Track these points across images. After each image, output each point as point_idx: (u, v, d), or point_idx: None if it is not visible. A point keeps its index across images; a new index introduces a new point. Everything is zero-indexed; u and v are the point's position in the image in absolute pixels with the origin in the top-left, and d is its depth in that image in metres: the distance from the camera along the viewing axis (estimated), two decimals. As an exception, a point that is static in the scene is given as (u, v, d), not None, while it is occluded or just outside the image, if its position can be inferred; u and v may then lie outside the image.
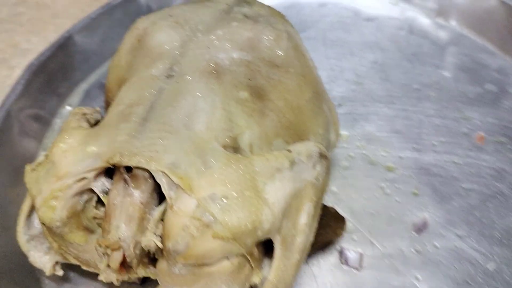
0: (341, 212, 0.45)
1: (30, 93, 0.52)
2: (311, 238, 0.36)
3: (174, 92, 0.35)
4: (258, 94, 0.37)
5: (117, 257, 0.31)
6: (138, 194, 0.32)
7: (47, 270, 0.39)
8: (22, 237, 0.39)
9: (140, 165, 0.31)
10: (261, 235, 0.31)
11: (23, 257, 0.39)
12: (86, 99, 0.56)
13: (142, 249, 0.33)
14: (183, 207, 0.30)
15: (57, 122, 0.54)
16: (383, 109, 0.54)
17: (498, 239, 0.44)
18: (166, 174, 0.31)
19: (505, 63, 0.58)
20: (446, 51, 0.60)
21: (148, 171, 0.32)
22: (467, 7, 0.61)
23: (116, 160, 0.32)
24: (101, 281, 0.40)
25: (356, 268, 0.43)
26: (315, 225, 0.37)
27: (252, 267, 0.33)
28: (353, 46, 0.60)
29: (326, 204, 0.45)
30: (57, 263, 0.39)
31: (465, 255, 0.43)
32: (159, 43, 0.38)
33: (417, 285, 0.42)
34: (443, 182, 0.48)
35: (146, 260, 0.35)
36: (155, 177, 0.31)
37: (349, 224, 0.45)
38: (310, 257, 0.43)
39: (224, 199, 0.30)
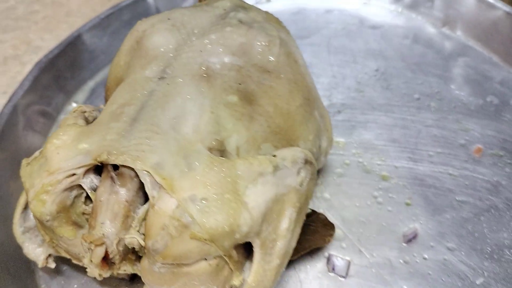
0: (331, 219, 0.45)
1: (38, 89, 0.54)
2: (293, 243, 0.37)
3: (165, 94, 0.36)
4: (248, 98, 0.38)
5: (99, 253, 0.32)
6: (124, 192, 0.33)
7: (40, 262, 0.40)
8: (17, 229, 0.40)
9: (126, 163, 0.32)
10: (239, 238, 0.32)
11: (19, 248, 0.41)
12: (92, 96, 0.58)
13: (126, 246, 0.34)
14: (163, 207, 0.31)
15: (63, 118, 0.56)
16: (381, 117, 0.54)
17: (489, 254, 0.44)
18: (150, 173, 0.32)
19: (509, 75, 0.58)
20: (450, 62, 0.59)
21: (134, 170, 0.33)
22: (473, 18, 0.61)
23: (103, 158, 0.33)
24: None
25: (343, 276, 0.43)
26: (298, 230, 0.37)
27: (231, 269, 0.33)
28: (357, 53, 0.60)
29: (317, 210, 0.46)
30: (50, 256, 0.41)
31: (453, 268, 0.43)
32: (155, 45, 0.39)
33: (403, 296, 0.42)
34: (436, 194, 0.48)
35: (133, 257, 0.37)
36: (139, 176, 0.32)
37: (338, 232, 0.45)
38: (298, 263, 0.43)
39: (203, 201, 0.31)
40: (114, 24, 0.61)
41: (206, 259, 0.32)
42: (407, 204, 0.47)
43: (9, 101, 0.51)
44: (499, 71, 0.59)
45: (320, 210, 0.46)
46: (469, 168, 0.50)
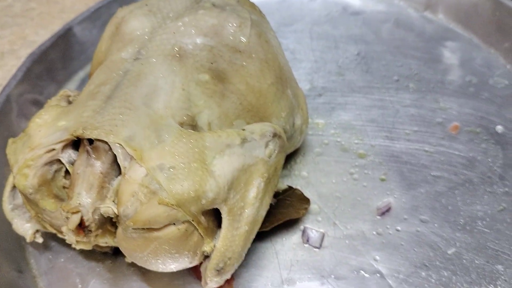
0: (308, 194, 0.47)
1: (30, 80, 0.57)
2: (262, 212, 0.39)
3: (138, 73, 0.38)
4: (220, 77, 0.39)
5: (74, 220, 0.34)
6: (99, 165, 0.35)
7: (28, 237, 0.42)
8: (7, 206, 0.43)
9: (99, 137, 0.34)
10: (205, 204, 0.34)
11: (10, 226, 0.43)
12: (82, 86, 0.60)
13: (102, 215, 0.36)
14: (133, 175, 0.33)
15: (51, 103, 0.58)
16: (361, 99, 0.55)
17: (461, 225, 0.45)
18: (122, 146, 0.34)
19: (488, 55, 0.59)
20: (430, 44, 0.61)
21: (108, 143, 0.35)
22: (455, 1, 0.62)
23: (79, 132, 0.35)
24: (77, 250, 0.44)
25: (317, 247, 0.44)
26: (267, 200, 0.39)
27: (201, 235, 0.35)
28: (338, 39, 0.62)
29: (294, 186, 0.47)
30: (37, 231, 0.43)
31: (426, 239, 0.45)
32: (132, 29, 0.41)
33: (375, 265, 0.43)
34: (412, 169, 0.49)
35: (113, 229, 0.39)
36: (112, 148, 0.34)
37: (314, 206, 0.47)
38: (274, 236, 0.45)
39: (171, 169, 0.33)
40: (103, 17, 0.63)
41: (174, 224, 0.34)
42: (382, 180, 0.49)
43: (2, 90, 0.54)
44: (479, 52, 0.60)
45: (297, 186, 0.48)
46: (445, 145, 0.51)
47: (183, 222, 0.34)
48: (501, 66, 0.58)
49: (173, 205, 0.32)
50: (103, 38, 0.46)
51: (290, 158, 0.50)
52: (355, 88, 0.57)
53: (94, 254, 0.44)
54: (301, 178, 0.49)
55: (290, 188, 0.46)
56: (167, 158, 0.33)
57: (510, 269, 0.43)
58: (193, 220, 0.34)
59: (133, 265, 0.43)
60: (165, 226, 0.34)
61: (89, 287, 0.43)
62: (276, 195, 0.45)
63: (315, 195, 0.48)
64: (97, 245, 0.41)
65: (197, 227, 0.34)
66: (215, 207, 0.35)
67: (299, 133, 0.46)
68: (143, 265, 0.37)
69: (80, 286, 0.43)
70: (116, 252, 0.44)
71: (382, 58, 0.59)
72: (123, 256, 0.40)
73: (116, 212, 0.35)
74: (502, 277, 0.42)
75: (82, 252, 0.45)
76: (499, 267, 0.43)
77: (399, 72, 0.58)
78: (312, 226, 0.46)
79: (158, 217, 0.33)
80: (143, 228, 0.34)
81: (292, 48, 0.61)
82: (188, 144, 0.34)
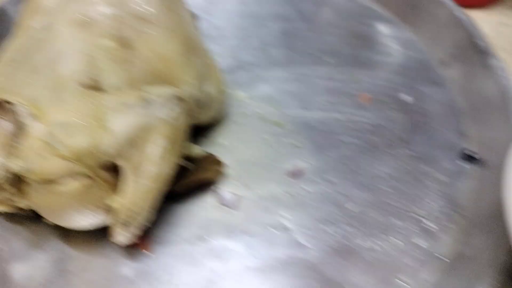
0: (226, 161, 0.49)
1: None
2: (168, 170, 0.41)
3: (45, 40, 0.40)
4: (125, 43, 0.42)
5: (-17, 177, 0.36)
6: (6, 124, 0.37)
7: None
8: None
9: (5, 98, 0.36)
10: (103, 158, 0.36)
11: None
12: (14, 65, 0.61)
13: (13, 174, 0.38)
14: (33, 132, 0.35)
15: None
16: (281, 73, 0.58)
17: (366, 186, 0.49)
18: (25, 105, 0.36)
19: (402, 31, 0.63)
20: (349, 22, 0.64)
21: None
22: (374, -19, 0.66)
23: (-15, 95, 0.37)
24: (3, 216, 0.46)
25: (231, 208, 0.47)
26: (172, 159, 0.41)
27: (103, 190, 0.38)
28: (264, 17, 0.65)
29: (211, 152, 0.50)
30: None
31: (332, 198, 0.48)
32: (44, 1, 0.43)
33: (284, 223, 0.46)
34: (324, 136, 0.52)
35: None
36: (16, 108, 0.36)
37: (231, 171, 0.50)
38: (190, 198, 0.48)
39: (69, 126, 0.35)
40: (36, -3, 0.64)
41: (75, 178, 0.36)
42: (297, 146, 0.52)
43: None
44: (394, 28, 0.63)
45: (216, 153, 0.50)
46: (356, 114, 0.54)
47: (84, 176, 0.36)
48: (413, 41, 0.62)
49: (71, 158, 0.35)
50: (22, 13, 0.47)
51: (209, 127, 0.53)
52: (276, 63, 0.60)
53: (18, 218, 0.46)
54: (219, 146, 0.52)
55: (206, 153, 0.49)
56: (67, 116, 0.36)
57: (406, 222, 0.46)
58: (91, 174, 0.36)
59: (56, 227, 0.44)
60: (67, 180, 0.36)
61: (13, 250, 0.45)
62: (192, 160, 0.47)
63: (232, 161, 0.50)
64: (19, 208, 0.42)
65: (97, 181, 0.37)
66: (115, 162, 0.37)
67: (215, 102, 0.49)
68: (56, 222, 0.39)
69: (6, 249, 0.45)
70: (39, 215, 0.46)
71: (303, 35, 0.63)
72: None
73: (20, 167, 0.37)
74: (399, 230, 0.46)
75: (7, 216, 0.46)
76: (398, 222, 0.47)
77: (319, 47, 0.61)
78: (228, 188, 0.48)
79: (58, 171, 0.35)
80: (47, 183, 0.36)
81: (220, 25, 0.64)
82: (87, 103, 0.37)
